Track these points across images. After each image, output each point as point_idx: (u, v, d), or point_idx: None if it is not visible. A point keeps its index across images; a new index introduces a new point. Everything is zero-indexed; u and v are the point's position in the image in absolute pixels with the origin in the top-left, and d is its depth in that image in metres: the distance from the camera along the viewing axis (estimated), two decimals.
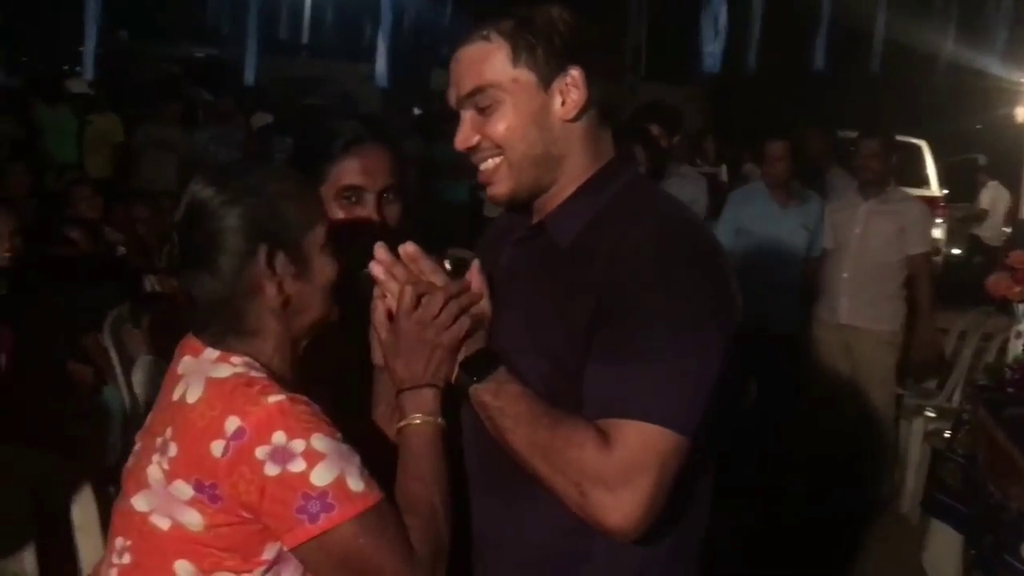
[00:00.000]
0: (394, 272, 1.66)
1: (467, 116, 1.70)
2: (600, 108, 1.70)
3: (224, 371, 1.58)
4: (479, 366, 1.63)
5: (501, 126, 1.66)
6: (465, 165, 1.77)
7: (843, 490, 5.11)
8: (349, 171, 2.05)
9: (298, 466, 1.49)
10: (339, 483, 1.51)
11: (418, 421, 1.65)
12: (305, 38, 18.36)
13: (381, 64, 12.73)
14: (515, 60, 1.65)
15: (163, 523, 1.57)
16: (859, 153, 5.33)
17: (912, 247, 5.22)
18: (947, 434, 4.38)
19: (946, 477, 4.03)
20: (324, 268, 1.67)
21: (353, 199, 2.05)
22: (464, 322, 1.64)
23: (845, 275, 5.26)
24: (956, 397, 5.40)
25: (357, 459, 1.55)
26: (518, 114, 1.66)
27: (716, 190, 7.18)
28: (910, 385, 5.68)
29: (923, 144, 12.69)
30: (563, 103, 1.66)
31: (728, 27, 13.18)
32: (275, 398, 1.53)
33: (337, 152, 2.05)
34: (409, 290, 1.64)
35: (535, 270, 1.71)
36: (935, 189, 12.31)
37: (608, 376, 1.56)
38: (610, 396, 1.55)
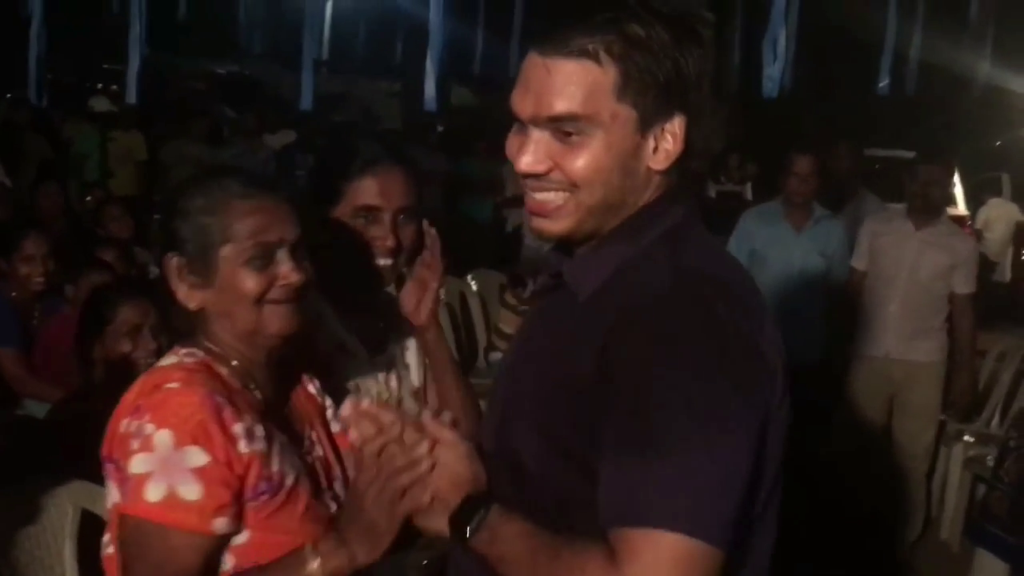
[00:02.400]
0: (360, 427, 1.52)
1: (542, 138, 1.43)
2: (690, 160, 1.45)
3: (167, 360, 1.70)
4: (466, 517, 1.44)
5: (583, 162, 1.41)
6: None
7: (882, 520, 4.99)
8: (366, 191, 2.07)
9: (134, 445, 1.56)
10: (143, 479, 1.54)
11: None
12: (325, 54, 18.44)
13: (430, 87, 12.65)
14: (621, 93, 1.39)
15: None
16: (918, 179, 4.86)
17: (960, 286, 4.90)
18: (990, 461, 4.31)
19: (992, 506, 3.96)
20: (240, 282, 1.66)
21: (369, 219, 2.07)
22: (431, 478, 1.47)
23: (892, 308, 4.92)
24: (995, 422, 5.31)
25: (195, 481, 1.55)
26: (608, 154, 1.41)
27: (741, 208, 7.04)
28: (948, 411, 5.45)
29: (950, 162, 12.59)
30: (655, 150, 1.43)
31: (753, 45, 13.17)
32: (169, 385, 1.60)
33: (355, 172, 2.08)
34: (368, 451, 1.51)
35: (550, 327, 1.52)
36: (962, 208, 12.22)
37: (615, 476, 1.32)
38: (618, 501, 1.31)
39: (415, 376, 2.29)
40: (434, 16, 12.57)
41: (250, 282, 1.66)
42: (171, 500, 1.54)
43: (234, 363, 1.70)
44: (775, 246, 5.04)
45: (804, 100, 14.12)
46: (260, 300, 1.67)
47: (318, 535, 1.63)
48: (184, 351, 1.69)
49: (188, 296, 1.68)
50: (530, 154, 1.44)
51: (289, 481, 1.65)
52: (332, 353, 2.06)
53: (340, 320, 2.13)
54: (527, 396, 1.48)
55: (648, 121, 1.41)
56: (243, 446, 1.59)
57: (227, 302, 1.68)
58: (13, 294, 4.59)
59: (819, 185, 5.04)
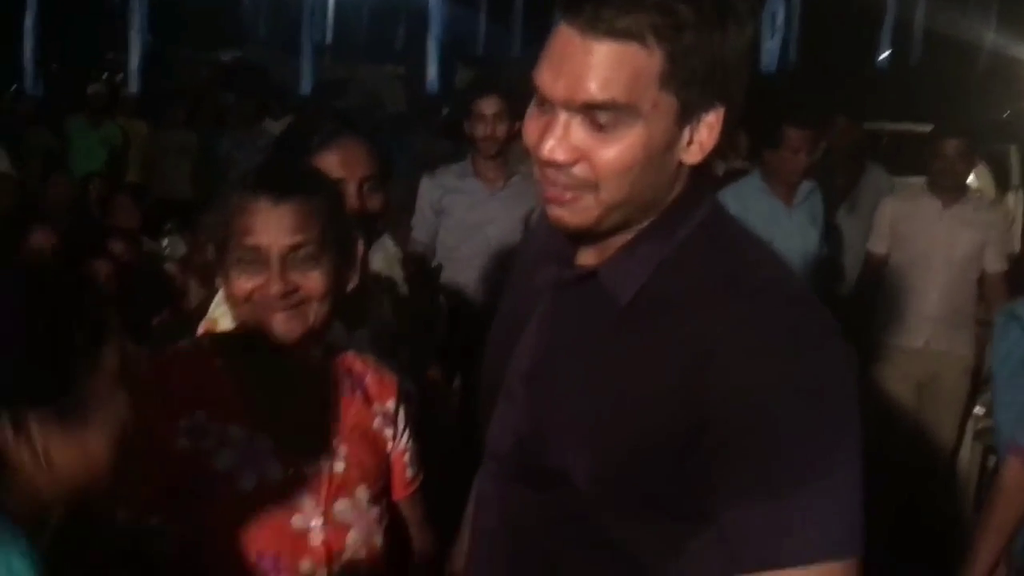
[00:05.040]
0: None
1: (572, 123, 1.27)
2: (719, 149, 1.33)
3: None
4: None
5: (614, 156, 1.26)
6: None
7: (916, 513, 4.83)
8: (328, 164, 2.19)
9: None
10: None
11: None
12: (329, 39, 18.37)
13: (432, 70, 12.66)
14: (666, 81, 1.24)
15: None
16: (940, 154, 4.63)
17: (992, 264, 4.68)
18: None
19: None
20: (231, 281, 1.70)
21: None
22: None
23: (933, 296, 4.66)
24: None
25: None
26: (643, 149, 1.26)
27: None
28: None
29: None
30: (690, 143, 1.29)
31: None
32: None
33: (316, 147, 2.21)
34: None
35: (583, 334, 1.37)
36: (971, 181, 12.16)
37: (748, 515, 1.23)
38: (759, 541, 1.23)
39: None
40: None
41: (239, 283, 1.66)
42: None
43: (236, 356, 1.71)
44: (770, 225, 4.56)
45: (804, 73, 14.03)
46: (250, 301, 1.66)
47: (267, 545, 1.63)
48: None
49: (195, 289, 1.72)
50: (556, 139, 1.28)
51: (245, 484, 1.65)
52: None
53: None
54: (576, 414, 1.34)
55: (689, 112, 1.27)
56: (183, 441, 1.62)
57: (229, 298, 1.71)
58: None
59: (811, 161, 4.72)
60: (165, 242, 5.92)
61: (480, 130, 4.48)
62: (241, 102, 10.19)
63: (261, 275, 1.64)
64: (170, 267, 5.42)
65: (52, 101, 10.63)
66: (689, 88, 1.25)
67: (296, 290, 1.65)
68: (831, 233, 5.19)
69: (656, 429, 1.26)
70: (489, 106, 4.44)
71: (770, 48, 12.73)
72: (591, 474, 1.31)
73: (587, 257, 1.40)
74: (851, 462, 1.25)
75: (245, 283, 1.65)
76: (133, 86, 11.35)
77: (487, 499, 1.50)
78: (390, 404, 1.85)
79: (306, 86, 12.86)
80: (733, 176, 5.57)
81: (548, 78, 1.28)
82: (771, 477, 1.22)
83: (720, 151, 1.35)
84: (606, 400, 1.31)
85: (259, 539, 1.63)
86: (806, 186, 4.82)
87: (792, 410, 1.21)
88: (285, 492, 1.67)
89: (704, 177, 1.40)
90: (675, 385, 1.25)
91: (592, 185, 1.29)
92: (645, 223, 1.34)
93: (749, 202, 4.62)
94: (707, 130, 1.29)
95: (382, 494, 1.80)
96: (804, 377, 1.23)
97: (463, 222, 4.51)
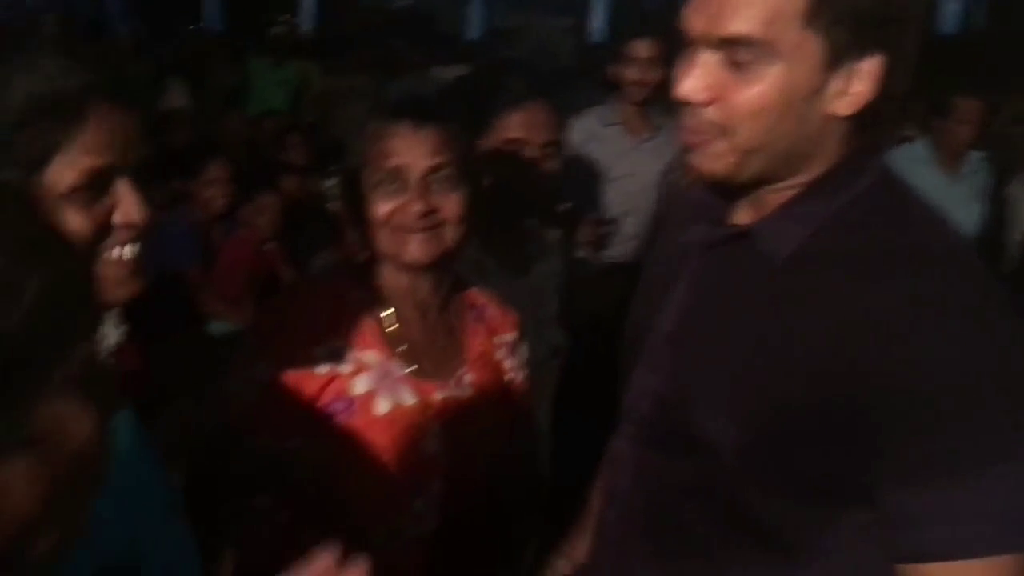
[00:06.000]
0: None
1: (709, 61, 1.23)
2: (878, 106, 1.23)
3: None
4: None
5: (751, 97, 1.20)
6: None
7: None
8: (513, 125, 2.27)
9: None
10: None
11: None
12: None
13: (598, 19, 12.56)
14: (810, 20, 1.17)
15: None
16: None
17: None
18: None
19: None
20: (372, 206, 1.73)
21: (515, 151, 2.26)
22: None
23: None
24: None
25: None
26: (781, 91, 1.19)
27: None
28: None
29: None
30: (842, 92, 1.21)
31: None
32: None
33: (502, 106, 2.27)
34: None
35: (734, 295, 1.31)
36: None
37: (905, 504, 1.17)
38: (913, 533, 1.17)
39: None
40: None
41: (379, 206, 1.70)
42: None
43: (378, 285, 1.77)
44: (927, 197, 4.46)
45: (989, 37, 13.26)
46: (389, 224, 1.70)
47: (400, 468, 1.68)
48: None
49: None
50: (693, 78, 1.24)
51: (379, 409, 1.70)
52: (466, 270, 2.17)
53: (480, 240, 2.24)
54: (723, 379, 1.29)
55: (838, 57, 1.19)
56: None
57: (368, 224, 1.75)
58: (196, 216, 4.84)
59: (978, 133, 4.55)
60: (331, 182, 6.07)
61: (630, 73, 4.09)
62: (410, 49, 10.31)
63: (401, 196, 1.69)
64: (334, 207, 5.56)
65: (232, 39, 10.96)
66: (838, 29, 1.17)
67: (435, 211, 1.69)
68: (1002, 207, 4.97)
69: (810, 399, 1.20)
70: (643, 49, 4.05)
71: (953, 8, 12.07)
72: (735, 444, 1.26)
73: (741, 216, 1.35)
74: None
75: (384, 206, 1.70)
76: (306, 23, 11.62)
77: (622, 461, 1.48)
78: (511, 336, 1.90)
79: (472, 32, 12.91)
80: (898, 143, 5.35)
81: (690, 14, 1.25)
82: (948, 458, 1.13)
83: (891, 112, 1.28)
84: (756, 366, 1.25)
85: (393, 462, 1.69)
86: (975, 157, 4.63)
87: (974, 388, 1.13)
88: (416, 417, 1.72)
89: (875, 138, 1.31)
90: (833, 354, 1.18)
91: (726, 128, 1.24)
92: (800, 180, 1.27)
93: (907, 171, 4.36)
94: (863, 80, 1.21)
95: (506, 422, 1.85)
96: (987, 355, 1.15)
97: (602, 172, 4.13)
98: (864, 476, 1.19)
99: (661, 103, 4.12)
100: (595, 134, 4.18)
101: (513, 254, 2.38)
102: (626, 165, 4.15)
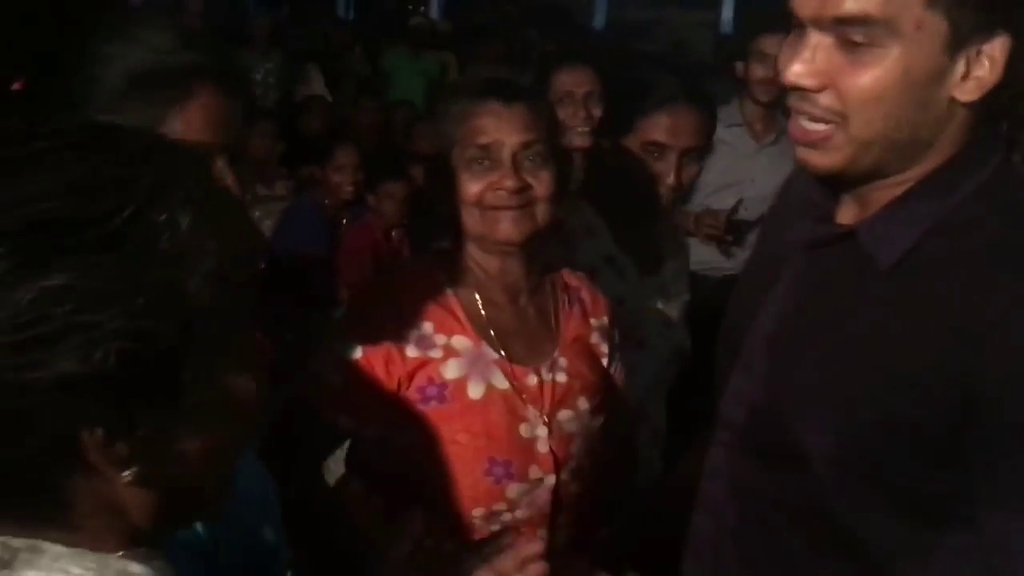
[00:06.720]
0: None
1: (821, 43, 1.14)
2: (1003, 93, 1.15)
3: None
4: None
5: (867, 81, 1.12)
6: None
7: None
8: (657, 127, 2.15)
9: None
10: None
11: None
12: None
13: (727, 11, 12.40)
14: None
15: None
16: None
17: None
18: None
19: None
20: (462, 184, 1.72)
21: (656, 154, 2.14)
22: None
23: None
24: None
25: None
26: (902, 76, 1.11)
27: None
28: None
29: None
30: (964, 77, 1.12)
31: None
32: None
33: (649, 107, 2.15)
34: None
35: (836, 299, 1.23)
36: None
37: (1008, 529, 1.10)
38: (1015, 561, 1.10)
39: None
40: None
41: (470, 185, 1.67)
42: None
43: (466, 271, 1.74)
44: None
45: None
46: (480, 204, 1.67)
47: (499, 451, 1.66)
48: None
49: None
50: (803, 62, 1.15)
51: (473, 393, 1.68)
52: (598, 265, 2.12)
53: (613, 236, 2.20)
54: (821, 388, 1.23)
55: (961, 38, 1.11)
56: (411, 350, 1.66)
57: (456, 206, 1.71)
58: (325, 201, 4.91)
59: None
60: None
61: (759, 70, 3.89)
62: (543, 40, 10.30)
63: (492, 174, 1.66)
64: None
65: (365, 28, 11.13)
66: (963, 8, 1.09)
67: (527, 188, 1.66)
68: None
69: (912, 413, 1.13)
70: (774, 44, 3.66)
71: None
72: (832, 457, 1.20)
73: (848, 213, 1.26)
74: None
75: (475, 184, 1.68)
76: (436, 13, 11.72)
77: (716, 469, 1.43)
78: (605, 320, 1.85)
79: (599, 21, 12.88)
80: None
81: None
82: None
83: (1016, 100, 1.19)
84: (856, 375, 1.18)
85: (491, 446, 1.67)
86: None
87: None
88: (511, 401, 1.70)
89: (995, 127, 1.22)
90: (939, 366, 1.11)
91: (840, 116, 1.15)
92: (913, 174, 1.18)
93: None
94: (988, 63, 1.12)
95: (603, 406, 1.81)
96: None
97: (720, 176, 3.83)
98: (964, 496, 1.12)
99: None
100: (716, 135, 4.02)
101: (646, 251, 2.33)
102: (746, 170, 3.96)
